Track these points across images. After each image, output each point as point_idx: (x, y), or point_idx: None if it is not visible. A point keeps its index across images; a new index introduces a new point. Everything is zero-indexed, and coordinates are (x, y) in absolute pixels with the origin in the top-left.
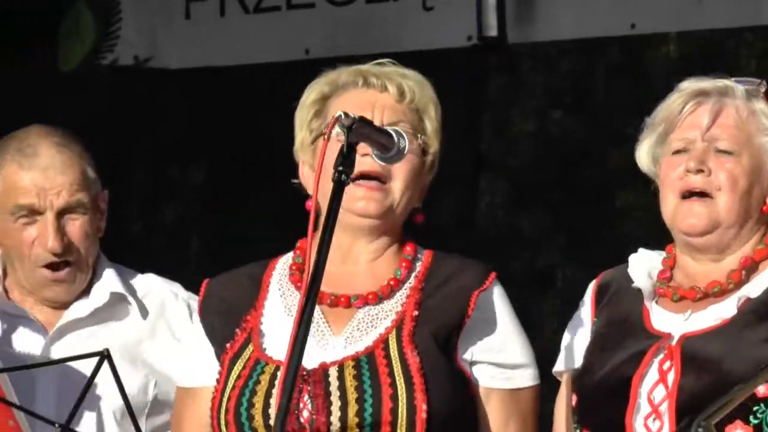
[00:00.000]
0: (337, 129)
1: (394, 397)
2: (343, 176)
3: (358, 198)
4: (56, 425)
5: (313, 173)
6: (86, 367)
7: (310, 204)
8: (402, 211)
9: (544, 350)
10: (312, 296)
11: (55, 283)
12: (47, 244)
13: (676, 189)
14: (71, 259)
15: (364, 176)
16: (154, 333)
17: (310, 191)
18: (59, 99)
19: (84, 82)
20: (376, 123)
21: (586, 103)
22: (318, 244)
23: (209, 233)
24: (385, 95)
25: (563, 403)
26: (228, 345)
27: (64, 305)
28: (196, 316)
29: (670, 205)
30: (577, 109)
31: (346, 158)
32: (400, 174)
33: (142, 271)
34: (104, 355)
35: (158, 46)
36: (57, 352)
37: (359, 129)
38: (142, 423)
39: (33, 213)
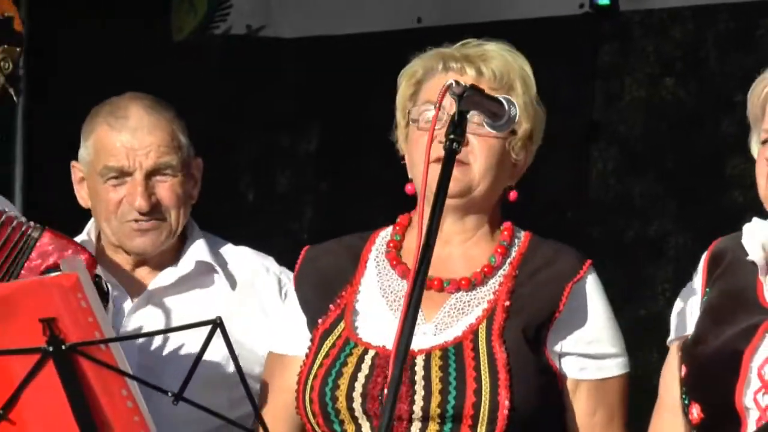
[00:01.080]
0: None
1: (478, 392)
2: (454, 144)
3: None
4: (169, 394)
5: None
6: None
7: (409, 188)
8: (484, 192)
9: (657, 319)
10: (420, 280)
11: (139, 232)
12: (134, 203)
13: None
14: (158, 216)
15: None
16: (243, 306)
17: (409, 174)
18: (172, 68)
19: (197, 51)
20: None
21: (697, 70)
22: (428, 222)
23: (322, 202)
24: (465, 78)
25: (671, 373)
26: (320, 320)
27: (152, 269)
28: (287, 290)
29: (762, 191)
30: (688, 76)
31: (458, 126)
32: (479, 154)
33: (257, 240)
34: (216, 324)
35: (271, 15)
36: (141, 318)
37: (470, 97)
38: (224, 394)
39: (122, 174)
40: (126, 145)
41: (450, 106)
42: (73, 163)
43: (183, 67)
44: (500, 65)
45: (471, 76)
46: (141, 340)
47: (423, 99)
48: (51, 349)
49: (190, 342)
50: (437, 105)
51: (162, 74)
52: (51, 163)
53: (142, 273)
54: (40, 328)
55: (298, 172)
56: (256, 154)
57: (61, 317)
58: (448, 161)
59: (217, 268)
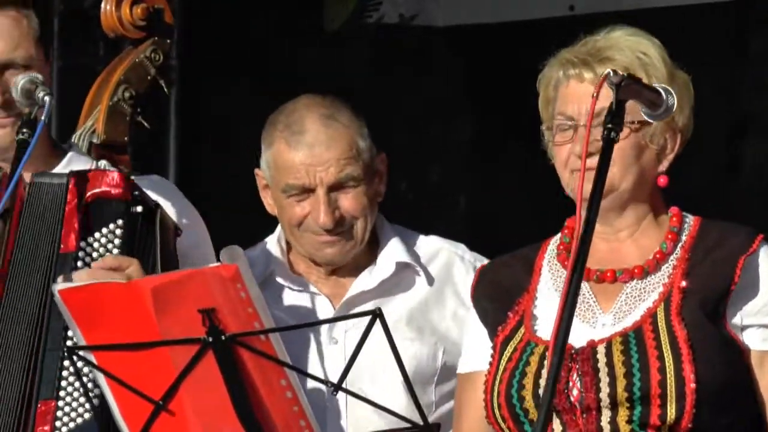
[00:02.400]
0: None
1: (662, 370)
2: (612, 133)
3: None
4: (328, 384)
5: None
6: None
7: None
8: (630, 187)
9: None
10: (578, 272)
11: (326, 244)
12: (319, 220)
13: None
14: (343, 230)
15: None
16: (441, 299)
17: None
18: (325, 58)
19: (350, 40)
20: (582, 116)
21: None
22: (585, 218)
23: (475, 192)
24: (585, 85)
25: None
26: (500, 328)
27: (349, 274)
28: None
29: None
30: None
31: (615, 116)
32: (614, 156)
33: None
34: (376, 315)
35: (423, 3)
36: (343, 325)
37: (628, 86)
38: (431, 391)
39: (304, 191)
40: (305, 162)
41: (578, 112)
42: (257, 170)
43: (335, 57)
44: (619, 63)
45: (589, 80)
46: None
47: (557, 110)
48: (211, 339)
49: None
50: (595, 94)
51: (314, 64)
52: (204, 155)
53: (340, 278)
54: (199, 318)
55: (451, 162)
56: (408, 144)
57: (220, 307)
58: (606, 151)
59: (417, 267)
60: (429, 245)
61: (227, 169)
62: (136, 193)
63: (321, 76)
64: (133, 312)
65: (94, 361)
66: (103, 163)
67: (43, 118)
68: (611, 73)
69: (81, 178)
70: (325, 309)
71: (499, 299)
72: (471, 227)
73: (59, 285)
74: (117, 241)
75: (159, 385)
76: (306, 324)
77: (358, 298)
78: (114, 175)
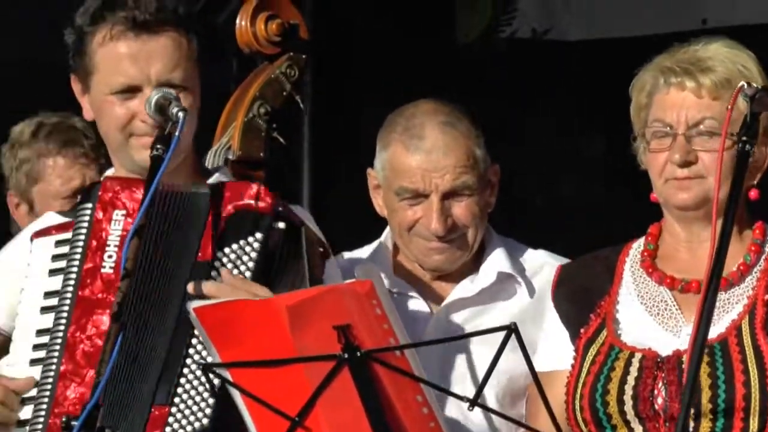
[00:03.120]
0: None
1: (747, 384)
2: (747, 146)
3: (674, 189)
4: (464, 399)
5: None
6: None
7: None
8: (725, 196)
9: None
10: (714, 283)
11: (435, 251)
12: (430, 226)
13: None
14: (454, 237)
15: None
16: (541, 312)
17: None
18: (457, 71)
19: (482, 54)
20: (681, 124)
21: None
22: (720, 229)
23: (607, 207)
24: (686, 93)
25: None
26: (582, 330)
27: (452, 280)
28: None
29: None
30: None
31: (749, 128)
32: (711, 166)
33: (542, 245)
34: (511, 329)
35: (556, 18)
36: (442, 329)
37: (762, 98)
38: (522, 405)
39: (418, 196)
40: (422, 166)
41: (677, 120)
42: (369, 170)
43: (469, 71)
44: (721, 74)
45: (691, 88)
46: (440, 349)
47: (653, 117)
48: (346, 356)
49: (487, 351)
50: (729, 106)
51: (447, 78)
52: (338, 170)
53: (441, 284)
54: (335, 334)
55: (585, 176)
56: (542, 157)
57: (355, 324)
58: (741, 164)
59: (519, 278)
60: (535, 259)
61: (361, 182)
62: (281, 209)
63: (453, 89)
64: (268, 329)
65: (230, 378)
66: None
67: (177, 133)
68: (745, 85)
69: (224, 188)
70: (422, 312)
71: (580, 301)
72: (603, 242)
73: (194, 303)
74: (253, 254)
75: (295, 402)
76: (442, 340)
77: (457, 304)
78: (259, 189)
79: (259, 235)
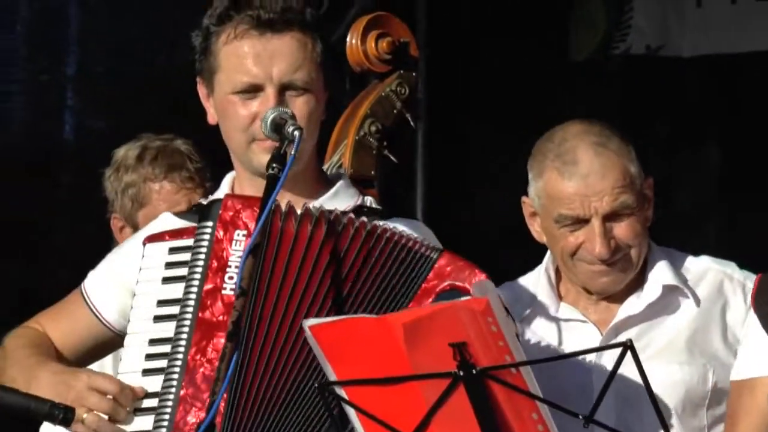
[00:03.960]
0: None
1: None
2: None
3: None
4: (580, 417)
5: None
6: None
7: None
8: None
9: None
10: None
11: (600, 274)
12: (594, 251)
13: None
14: (618, 258)
15: None
16: (710, 320)
17: None
18: (570, 88)
19: (596, 71)
20: None
21: None
22: None
23: (724, 219)
24: None
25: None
26: None
27: (617, 299)
28: (749, 299)
29: None
30: None
31: None
32: None
33: None
34: (627, 346)
35: (670, 34)
36: (612, 351)
37: None
38: (703, 415)
39: (578, 221)
40: (579, 192)
41: None
42: (524, 198)
43: (582, 87)
44: None
45: None
46: (568, 369)
47: None
48: (462, 373)
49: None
50: None
51: (560, 94)
52: (451, 187)
53: (607, 304)
54: (450, 352)
55: (700, 189)
56: (658, 172)
57: (471, 341)
58: None
59: (684, 289)
60: (697, 266)
61: (474, 199)
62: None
63: (567, 107)
64: (383, 347)
65: (345, 396)
66: (369, 200)
67: (293, 153)
68: None
69: (450, 261)
70: (592, 337)
71: None
72: (720, 255)
73: (310, 321)
74: None
75: (410, 420)
76: (557, 357)
77: (626, 323)
78: (482, 277)
79: None
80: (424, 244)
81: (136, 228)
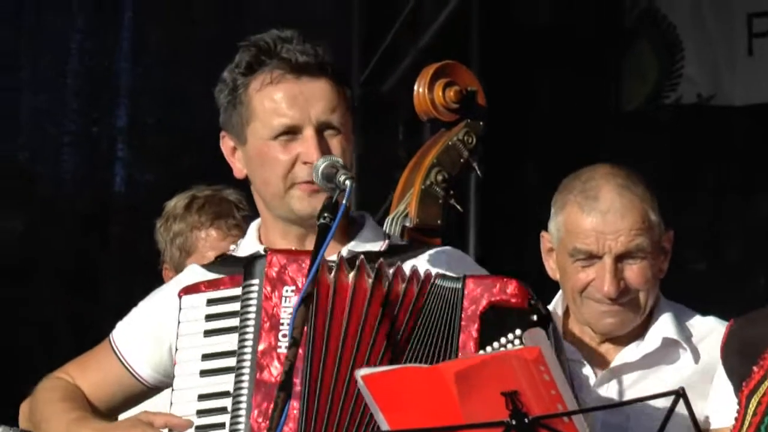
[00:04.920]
0: None
1: None
2: None
3: None
4: None
5: None
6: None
7: None
8: None
9: None
10: None
11: (607, 314)
12: (603, 289)
13: None
14: (624, 301)
15: None
16: (708, 378)
17: None
18: (621, 137)
19: (647, 120)
20: None
21: None
22: None
23: None
24: None
25: None
26: (744, 383)
27: (618, 344)
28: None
29: None
30: None
31: None
32: None
33: (708, 311)
34: (679, 394)
35: (721, 83)
36: (605, 392)
37: None
38: None
39: (591, 257)
40: (596, 228)
41: None
42: (543, 233)
43: (633, 136)
44: None
45: None
46: (604, 413)
47: None
48: (514, 422)
49: (653, 414)
50: None
51: (610, 143)
52: (504, 235)
53: (607, 347)
54: (502, 401)
55: (750, 239)
56: (705, 221)
57: (523, 390)
58: None
59: (684, 343)
60: (703, 325)
61: (526, 248)
62: (533, 301)
63: (616, 155)
64: (435, 396)
65: None
66: (396, 236)
67: (344, 202)
68: None
69: (479, 283)
70: (586, 376)
71: (746, 354)
72: None
73: (363, 371)
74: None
75: None
76: (610, 405)
77: (622, 368)
78: (512, 284)
79: (518, 332)
80: (445, 277)
81: None
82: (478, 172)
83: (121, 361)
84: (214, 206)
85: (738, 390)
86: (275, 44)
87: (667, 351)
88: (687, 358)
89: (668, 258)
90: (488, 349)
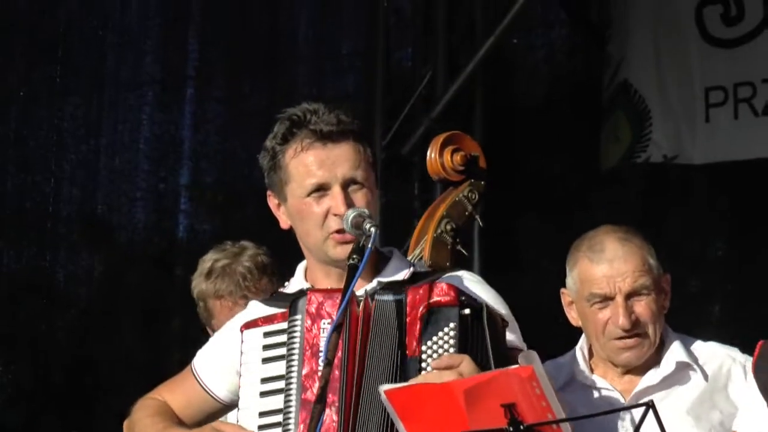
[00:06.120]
0: None
1: None
2: None
3: None
4: None
5: None
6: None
7: None
8: None
9: None
10: None
11: (624, 349)
12: (618, 322)
13: None
14: (639, 332)
15: None
16: (715, 393)
17: None
18: (600, 190)
19: (622, 178)
20: None
21: None
22: None
23: (728, 302)
24: None
25: None
26: None
27: (638, 372)
28: (750, 376)
29: None
30: None
31: None
32: None
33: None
34: (649, 406)
35: (682, 145)
36: (635, 414)
37: None
38: None
39: (605, 299)
40: (606, 274)
41: None
42: (563, 290)
43: (609, 190)
44: None
45: None
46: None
47: None
48: (511, 429)
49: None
50: None
51: (591, 196)
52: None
53: (630, 377)
54: (502, 411)
55: (708, 275)
56: (673, 260)
57: (519, 402)
58: None
59: (694, 365)
60: (706, 348)
61: (522, 290)
62: (463, 298)
63: (596, 206)
64: (447, 408)
65: None
66: (420, 264)
67: (370, 246)
68: None
69: (415, 292)
70: (618, 402)
71: None
72: (725, 334)
73: (385, 386)
74: (452, 342)
75: None
76: (590, 415)
77: (645, 392)
78: (443, 286)
79: (452, 325)
80: (388, 291)
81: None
82: (480, 223)
83: (201, 384)
84: (226, 279)
85: None
86: (305, 116)
87: (680, 373)
88: (697, 377)
89: (668, 297)
90: (429, 343)
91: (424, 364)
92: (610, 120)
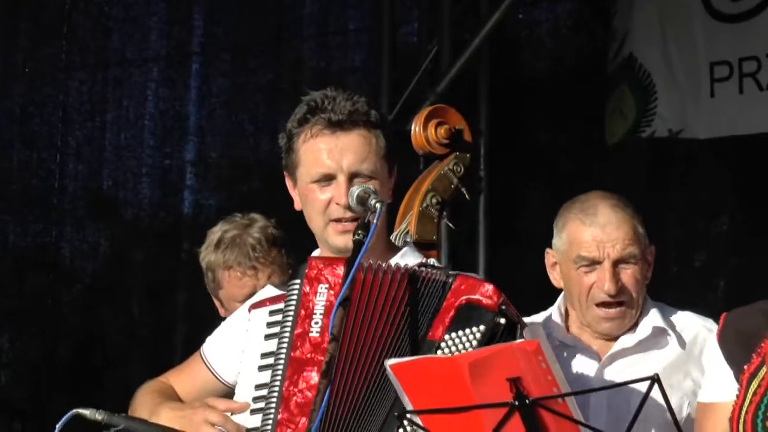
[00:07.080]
0: None
1: None
2: None
3: None
4: None
5: None
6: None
7: None
8: None
9: None
10: None
11: (607, 319)
12: (604, 287)
13: None
14: (623, 299)
15: None
16: (690, 360)
17: None
18: (605, 165)
19: (627, 152)
20: None
21: None
22: None
23: (734, 276)
24: None
25: None
26: (745, 367)
27: (614, 338)
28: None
29: None
30: None
31: None
32: None
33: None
34: (654, 380)
35: (687, 119)
36: (607, 375)
37: None
38: None
39: (593, 263)
40: (596, 238)
41: None
42: (548, 250)
43: (614, 164)
44: None
45: None
46: (609, 392)
47: None
48: (517, 403)
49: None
50: None
51: (597, 170)
52: (509, 253)
53: (603, 341)
54: (507, 385)
55: (713, 249)
56: (679, 234)
57: (524, 376)
58: None
59: (669, 331)
60: (683, 317)
61: (528, 264)
62: (504, 307)
63: (602, 181)
64: (452, 382)
65: (421, 423)
66: (432, 260)
67: (375, 221)
68: None
69: (463, 280)
70: (591, 361)
71: (742, 343)
72: (729, 305)
73: (391, 360)
74: (474, 342)
75: None
76: (597, 389)
77: (620, 353)
78: (489, 288)
79: (482, 327)
80: (442, 272)
81: (221, 303)
82: (467, 197)
83: (209, 368)
84: (235, 249)
85: (739, 373)
86: (322, 102)
87: (656, 338)
88: (673, 343)
89: (651, 269)
90: (452, 334)
91: (439, 351)
92: (615, 94)
